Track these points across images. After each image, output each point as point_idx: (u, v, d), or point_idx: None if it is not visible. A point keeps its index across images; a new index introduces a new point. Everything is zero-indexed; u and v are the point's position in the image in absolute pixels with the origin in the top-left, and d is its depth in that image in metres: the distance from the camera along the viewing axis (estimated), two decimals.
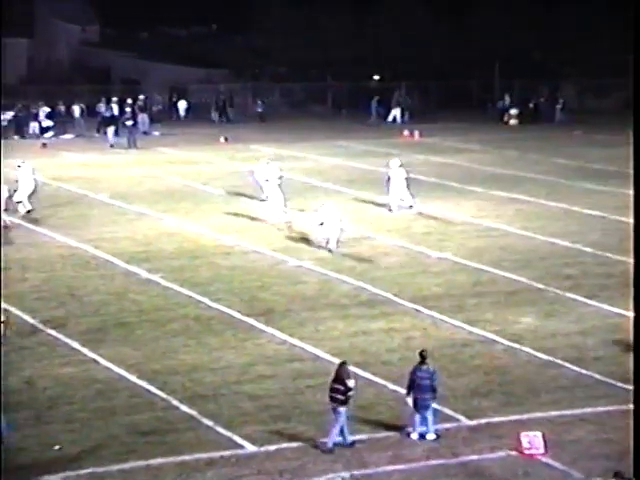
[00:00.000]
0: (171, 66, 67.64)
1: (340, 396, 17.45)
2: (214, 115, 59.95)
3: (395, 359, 20.28)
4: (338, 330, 23.50)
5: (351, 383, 17.51)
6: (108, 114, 53.49)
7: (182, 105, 61.18)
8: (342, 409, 17.43)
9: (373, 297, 25.85)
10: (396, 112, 60.13)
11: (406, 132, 54.53)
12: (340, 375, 17.62)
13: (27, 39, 75.47)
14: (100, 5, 73.52)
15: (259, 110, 60.63)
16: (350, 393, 17.46)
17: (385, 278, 27.30)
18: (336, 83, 64.25)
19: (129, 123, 51.61)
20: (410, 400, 17.78)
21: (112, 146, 49.92)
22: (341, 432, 17.51)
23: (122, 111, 54.77)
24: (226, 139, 51.96)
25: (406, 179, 35.67)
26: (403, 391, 18.28)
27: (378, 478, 16.66)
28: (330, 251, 29.52)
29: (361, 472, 16.84)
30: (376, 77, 66.94)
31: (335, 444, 17.38)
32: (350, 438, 17.52)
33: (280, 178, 34.98)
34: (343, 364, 17.88)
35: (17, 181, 34.68)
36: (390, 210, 35.14)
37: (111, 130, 50.89)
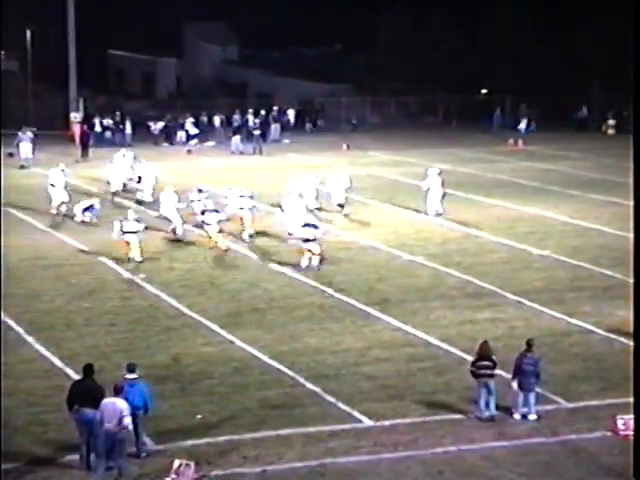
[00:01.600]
0: (300, 81, 67.90)
1: (490, 371, 17.49)
2: (308, 126, 59.66)
3: (500, 346, 20.00)
4: (447, 319, 23.33)
5: (495, 358, 17.61)
6: (236, 124, 54.07)
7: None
8: (492, 382, 17.46)
9: (479, 289, 25.60)
10: (524, 122, 59.92)
11: (511, 141, 53.87)
12: (486, 352, 17.65)
13: (176, 59, 76.59)
14: (239, 28, 74.17)
15: (353, 122, 60.47)
16: (497, 367, 17.57)
17: (490, 272, 27.00)
18: (446, 96, 63.84)
19: (257, 132, 52.12)
20: (515, 384, 17.60)
21: (242, 153, 50.37)
22: (486, 405, 17.47)
23: (258, 122, 55.45)
24: (348, 146, 51.97)
25: (442, 187, 35.05)
26: (507, 375, 18.07)
27: (484, 453, 16.47)
28: None
29: (468, 447, 16.70)
30: (484, 91, 66.37)
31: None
32: (494, 412, 17.49)
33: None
34: (485, 342, 17.85)
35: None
36: (426, 214, 34.51)
37: (237, 138, 51.42)
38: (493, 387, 17.56)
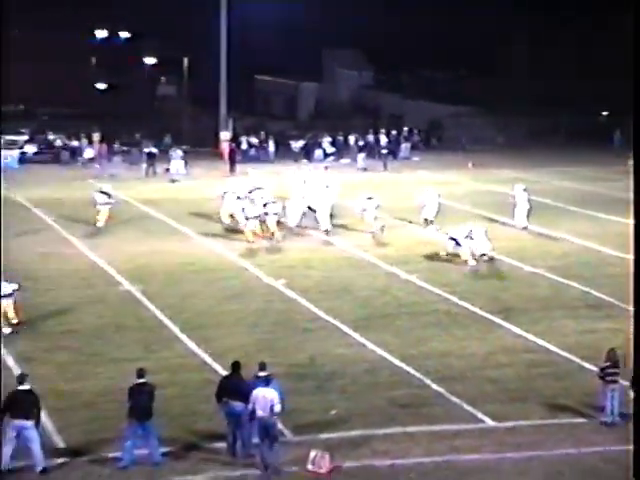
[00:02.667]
0: (428, 103, 67.65)
1: (617, 377, 17.15)
2: (405, 147, 58.86)
3: (619, 355, 19.50)
4: (568, 328, 22.84)
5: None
6: (361, 143, 54.41)
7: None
8: (617, 388, 17.14)
9: (599, 301, 24.99)
10: None
11: (630, 161, 52.40)
12: (614, 358, 17.31)
13: (316, 83, 77.22)
14: (374, 55, 74.42)
15: (463, 141, 59.77)
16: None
17: (610, 285, 26.26)
18: (569, 118, 62.71)
19: (384, 151, 52.31)
20: (632, 392, 17.12)
21: (365, 169, 50.52)
22: (611, 410, 17.19)
23: (389, 141, 55.67)
24: (473, 164, 51.50)
25: (529, 202, 34.41)
26: (625, 383, 17.59)
27: (605, 455, 16.09)
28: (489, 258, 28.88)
29: (588, 449, 16.32)
30: (604, 113, 65.03)
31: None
32: (617, 417, 17.19)
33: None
34: (613, 350, 17.52)
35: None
36: (515, 227, 34.02)
37: (361, 156, 51.71)
38: (618, 393, 17.16)
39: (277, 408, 15.48)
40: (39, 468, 15.25)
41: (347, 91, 75.95)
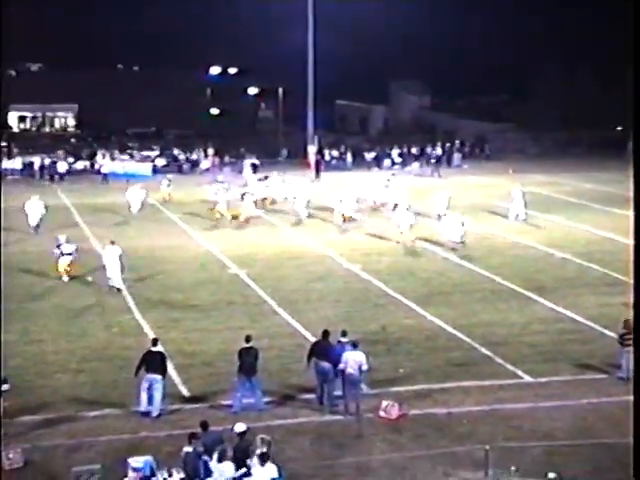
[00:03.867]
0: (475, 122, 66.83)
1: (631, 342, 16.49)
2: (457, 157, 57.54)
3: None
4: (590, 302, 22.37)
5: None
6: (417, 153, 54.22)
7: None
8: (631, 350, 16.46)
9: (616, 280, 24.31)
10: None
11: None
12: (630, 326, 16.65)
13: (384, 106, 76.82)
14: (431, 82, 73.77)
15: (487, 152, 58.59)
16: None
17: (624, 267, 25.24)
18: (590, 132, 61.48)
19: (433, 160, 51.96)
20: None
21: (420, 175, 50.10)
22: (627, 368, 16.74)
23: (444, 152, 55.26)
24: (513, 170, 50.56)
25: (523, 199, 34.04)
26: None
27: (620, 405, 15.59)
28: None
29: (607, 399, 16.07)
30: (619, 128, 63.45)
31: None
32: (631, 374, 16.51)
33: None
34: (628, 320, 16.88)
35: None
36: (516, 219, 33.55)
37: (416, 165, 51.34)
38: (632, 354, 16.72)
39: (364, 367, 15.46)
40: (155, 413, 15.41)
41: (409, 112, 75.46)
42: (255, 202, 34.92)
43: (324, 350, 15.96)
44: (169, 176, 42.88)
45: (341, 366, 15.59)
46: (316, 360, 16.00)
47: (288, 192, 37.94)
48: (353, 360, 15.48)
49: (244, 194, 35.10)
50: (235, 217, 33.33)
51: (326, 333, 16.29)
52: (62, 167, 49.14)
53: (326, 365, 15.82)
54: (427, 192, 36.30)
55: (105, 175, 47.23)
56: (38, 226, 31.83)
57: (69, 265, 24.76)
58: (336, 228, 31.69)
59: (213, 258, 28.01)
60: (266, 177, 39.48)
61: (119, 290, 23.54)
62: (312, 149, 55.07)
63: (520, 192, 34.61)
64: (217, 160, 52.55)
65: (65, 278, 24.67)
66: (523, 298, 23.02)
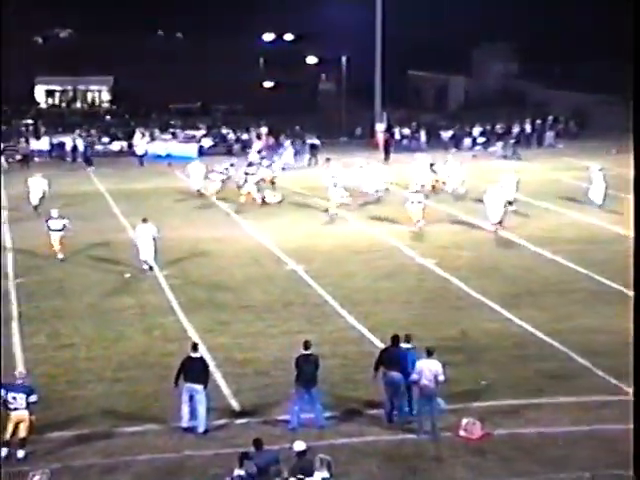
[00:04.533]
0: (573, 93, 65.65)
1: None
2: (550, 135, 56.50)
3: None
4: None
5: None
6: (501, 131, 53.52)
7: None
8: None
9: None
10: None
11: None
12: None
13: (464, 76, 76.15)
14: (519, 47, 72.83)
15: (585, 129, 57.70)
16: None
17: None
18: None
19: (512, 141, 51.34)
20: None
21: (505, 157, 49.51)
22: None
23: (533, 130, 54.57)
24: (617, 150, 49.65)
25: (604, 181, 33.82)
26: None
27: None
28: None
29: None
30: None
31: None
32: None
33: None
34: None
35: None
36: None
37: (499, 144, 50.80)
38: None
39: (441, 378, 15.41)
40: (201, 429, 15.55)
41: (494, 82, 74.54)
42: (257, 183, 36.01)
43: (394, 358, 15.94)
44: (233, 160, 42.73)
45: (414, 377, 15.56)
46: (385, 370, 16.01)
47: (361, 177, 38.01)
48: (428, 370, 15.44)
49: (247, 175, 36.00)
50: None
51: (396, 339, 16.28)
52: (95, 148, 50.14)
53: (396, 375, 15.80)
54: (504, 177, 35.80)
55: (141, 157, 48.00)
56: (37, 206, 33.15)
57: (60, 242, 26.37)
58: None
59: (267, 252, 28.21)
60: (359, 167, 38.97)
61: (151, 268, 25.25)
62: (380, 127, 55.04)
63: (600, 174, 34.15)
64: (271, 140, 52.91)
65: (60, 255, 26.40)
66: (629, 301, 22.55)
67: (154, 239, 25.69)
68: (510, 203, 32.45)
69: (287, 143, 49.33)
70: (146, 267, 25.44)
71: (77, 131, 53.94)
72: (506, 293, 23.41)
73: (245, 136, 55.03)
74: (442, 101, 75.70)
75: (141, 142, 49.94)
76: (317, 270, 25.80)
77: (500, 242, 28.86)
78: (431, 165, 38.69)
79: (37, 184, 34.19)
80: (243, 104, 68.81)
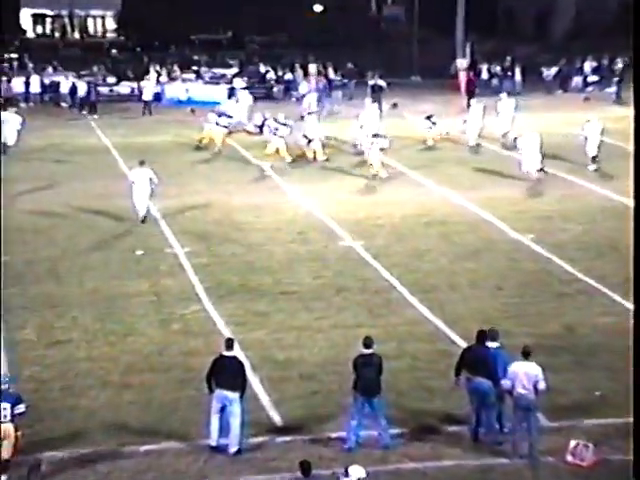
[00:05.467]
0: None
1: None
2: None
3: None
4: None
5: None
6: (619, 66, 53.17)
7: None
8: None
9: None
10: None
11: None
12: None
13: None
14: None
15: None
16: None
17: None
18: None
19: (616, 78, 51.00)
20: None
21: (618, 97, 49.00)
22: None
23: None
24: None
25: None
26: None
27: None
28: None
29: None
30: None
31: None
32: None
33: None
34: None
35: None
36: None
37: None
38: None
39: (541, 385, 15.34)
40: (233, 449, 15.60)
41: (614, 2, 73.33)
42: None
43: (481, 360, 15.85)
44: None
45: (506, 384, 15.49)
46: (469, 375, 15.95)
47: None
48: (524, 375, 15.36)
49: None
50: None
51: (483, 335, 16.20)
52: (98, 91, 50.48)
53: (484, 382, 15.72)
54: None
55: (147, 103, 48.21)
56: (9, 146, 34.97)
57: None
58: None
59: (317, 223, 28.29)
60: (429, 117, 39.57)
61: (143, 221, 27.29)
62: (462, 63, 54.73)
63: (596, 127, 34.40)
64: (322, 81, 52.86)
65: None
66: None
67: (151, 184, 27.86)
68: (594, 159, 33.57)
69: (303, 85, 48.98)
70: (141, 217, 27.70)
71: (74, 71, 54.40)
72: (625, 278, 23.12)
73: (289, 75, 55.06)
74: (544, 28, 74.83)
75: (149, 84, 50.11)
76: (380, 247, 25.80)
77: (618, 211, 28.54)
78: (428, 117, 39.00)
79: (11, 121, 35.46)
80: (286, 33, 68.85)
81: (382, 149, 33.72)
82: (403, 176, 34.10)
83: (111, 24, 79.36)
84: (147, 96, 48.74)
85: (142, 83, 51.10)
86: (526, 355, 15.66)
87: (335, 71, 54.08)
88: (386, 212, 29.26)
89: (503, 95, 40.78)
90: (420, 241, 26.48)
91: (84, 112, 48.02)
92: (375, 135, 34.49)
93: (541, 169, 31.87)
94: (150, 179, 28.03)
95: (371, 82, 49.22)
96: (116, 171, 34.73)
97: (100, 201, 30.24)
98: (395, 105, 47.62)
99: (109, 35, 78.35)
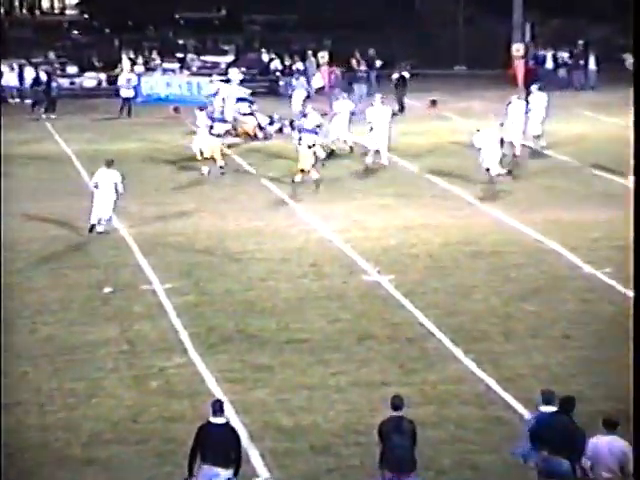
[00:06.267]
0: None
1: None
2: None
3: None
4: None
5: None
6: None
7: None
8: None
9: None
10: None
11: None
12: None
13: None
14: None
15: None
16: None
17: None
18: None
19: None
20: None
21: None
22: None
23: None
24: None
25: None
26: None
27: None
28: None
29: None
30: None
31: None
32: None
33: None
34: None
35: None
36: None
37: None
38: None
39: (630, 467, 15.08)
40: None
41: None
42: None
43: (553, 430, 15.68)
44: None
45: (586, 464, 15.29)
46: (538, 450, 15.78)
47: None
48: (609, 453, 15.22)
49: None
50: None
51: (550, 396, 16.04)
52: (57, 82, 50.51)
53: (564, 463, 15.47)
54: None
55: (127, 100, 48.27)
56: None
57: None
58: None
59: (334, 252, 28.35)
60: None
61: (91, 231, 29.02)
62: (519, 48, 54.80)
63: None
64: (334, 72, 52.91)
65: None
66: None
67: (116, 190, 28.84)
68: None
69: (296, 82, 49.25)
70: (100, 229, 29.10)
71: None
72: None
73: (299, 65, 54.97)
74: (625, 3, 74.96)
75: (125, 76, 50.09)
76: (414, 283, 25.82)
77: None
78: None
79: None
80: (294, 13, 68.91)
81: (312, 145, 34.19)
82: (443, 192, 34.23)
83: None
84: (126, 92, 48.77)
85: (117, 74, 51.10)
86: (611, 427, 15.41)
87: (358, 62, 53.83)
88: (422, 238, 29.31)
89: (534, 88, 40.85)
90: (465, 276, 26.47)
91: (39, 110, 48.14)
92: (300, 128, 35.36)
93: (509, 171, 33.55)
94: (115, 184, 28.99)
95: (395, 75, 49.26)
96: (79, 187, 34.82)
97: (58, 226, 30.33)
98: (434, 102, 47.83)
99: (69, 12, 78.60)
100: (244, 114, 42.68)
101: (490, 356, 21.70)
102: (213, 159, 36.78)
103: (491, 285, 25.81)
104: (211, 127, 37.53)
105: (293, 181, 33.76)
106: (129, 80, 49.32)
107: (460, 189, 34.43)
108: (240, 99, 44.11)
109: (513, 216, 31.26)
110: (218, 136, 37.82)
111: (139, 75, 52.29)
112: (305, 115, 36.96)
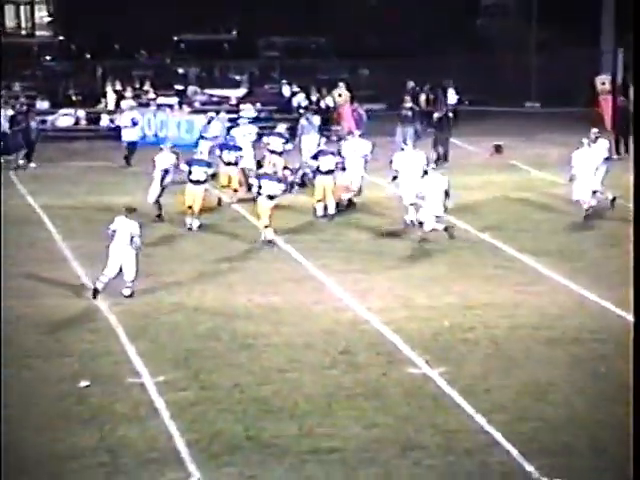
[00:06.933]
0: None
1: None
2: None
3: None
4: None
5: None
6: None
7: None
8: None
9: None
10: None
11: None
12: None
13: None
14: None
15: None
16: None
17: None
18: None
19: None
20: None
21: None
22: None
23: None
24: None
25: None
26: None
27: None
28: None
29: None
30: None
31: None
32: None
33: None
34: None
35: None
36: None
37: None
38: None
39: None
40: None
41: None
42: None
43: None
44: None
45: None
46: None
47: None
48: None
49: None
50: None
51: None
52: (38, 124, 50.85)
53: None
54: None
55: (131, 145, 48.53)
56: None
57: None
58: None
59: (370, 337, 28.44)
60: None
61: (94, 296, 29.74)
62: (604, 82, 54.84)
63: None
64: (358, 110, 53.25)
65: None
66: None
67: (133, 247, 30.04)
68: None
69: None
70: (127, 292, 30.09)
71: None
72: None
73: (329, 101, 55.31)
74: None
75: (131, 114, 50.25)
76: (472, 378, 25.82)
77: None
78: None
79: None
80: (323, 34, 69.33)
81: (272, 197, 35.51)
82: (510, 261, 34.27)
83: (43, 13, 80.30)
84: (130, 135, 48.93)
85: (99, 111, 51.50)
86: None
87: (427, 100, 54.24)
88: (483, 320, 29.41)
89: (585, 141, 40.94)
90: (539, 370, 26.41)
91: (17, 158, 48.28)
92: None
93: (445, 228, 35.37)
94: (132, 236, 29.80)
95: (437, 114, 49.55)
96: (50, 254, 35.00)
97: (22, 305, 30.44)
98: (499, 148, 47.97)
99: (39, 33, 79.33)
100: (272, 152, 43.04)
101: (573, 475, 21.52)
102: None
103: (573, 382, 25.80)
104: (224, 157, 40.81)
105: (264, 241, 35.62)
106: (134, 120, 49.48)
107: (531, 258, 34.43)
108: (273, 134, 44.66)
109: (601, 293, 31.29)
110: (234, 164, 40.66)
111: (124, 111, 52.32)
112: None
